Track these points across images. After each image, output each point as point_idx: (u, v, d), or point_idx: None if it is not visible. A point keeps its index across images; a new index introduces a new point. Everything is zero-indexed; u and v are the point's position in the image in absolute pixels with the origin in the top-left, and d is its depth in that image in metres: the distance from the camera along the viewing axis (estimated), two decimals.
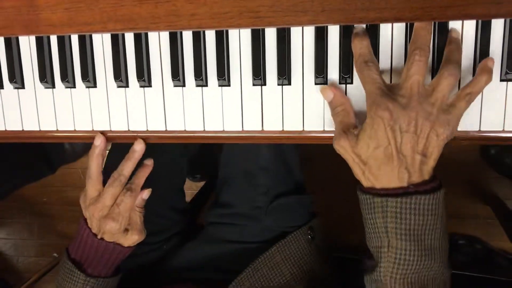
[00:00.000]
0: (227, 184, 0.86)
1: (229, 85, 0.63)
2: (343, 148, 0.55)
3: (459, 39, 0.55)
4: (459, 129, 0.58)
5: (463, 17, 0.51)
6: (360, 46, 0.55)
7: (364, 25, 0.57)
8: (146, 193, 0.72)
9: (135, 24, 0.57)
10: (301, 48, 0.60)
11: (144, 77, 0.63)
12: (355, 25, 0.57)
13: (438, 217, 0.53)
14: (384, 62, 0.58)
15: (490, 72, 0.54)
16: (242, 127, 0.63)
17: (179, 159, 0.95)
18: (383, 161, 0.52)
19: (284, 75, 0.60)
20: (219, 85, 0.63)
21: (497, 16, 0.52)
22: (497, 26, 0.55)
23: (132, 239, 0.72)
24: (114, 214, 0.68)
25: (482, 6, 0.50)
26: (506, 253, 1.42)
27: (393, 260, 0.53)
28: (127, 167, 0.69)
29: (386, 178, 0.53)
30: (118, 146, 0.86)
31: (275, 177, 0.81)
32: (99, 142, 0.68)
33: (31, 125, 0.69)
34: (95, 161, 0.68)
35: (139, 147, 0.68)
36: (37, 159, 1.40)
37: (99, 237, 0.71)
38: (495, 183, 1.42)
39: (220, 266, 0.83)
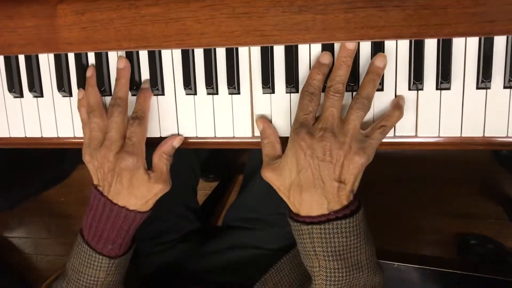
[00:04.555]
0: (251, 189, 0.88)
1: (239, 93, 0.64)
2: (268, 178, 0.60)
3: (378, 70, 0.57)
4: (464, 135, 0.59)
5: (459, 34, 0.52)
6: (316, 72, 0.59)
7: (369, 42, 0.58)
8: (177, 141, 0.66)
9: (148, 43, 0.60)
10: (308, 57, 0.61)
11: (158, 86, 0.65)
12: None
13: (360, 235, 0.57)
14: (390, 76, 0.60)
15: (401, 108, 0.58)
16: (252, 133, 0.65)
17: (191, 157, 0.97)
18: (304, 187, 0.56)
19: (292, 83, 0.62)
20: (229, 93, 0.64)
21: (491, 33, 0.53)
22: (500, 38, 0.56)
23: (156, 187, 0.64)
24: (128, 147, 0.62)
25: (476, 25, 0.51)
26: None
27: (324, 278, 0.58)
28: (119, 88, 0.64)
29: (308, 205, 0.56)
30: None
31: None
32: (122, 65, 0.65)
33: (49, 132, 0.71)
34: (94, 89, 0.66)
35: (122, 65, 0.64)
36: (51, 166, 1.43)
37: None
38: (506, 183, 1.42)
39: (241, 270, 0.85)
